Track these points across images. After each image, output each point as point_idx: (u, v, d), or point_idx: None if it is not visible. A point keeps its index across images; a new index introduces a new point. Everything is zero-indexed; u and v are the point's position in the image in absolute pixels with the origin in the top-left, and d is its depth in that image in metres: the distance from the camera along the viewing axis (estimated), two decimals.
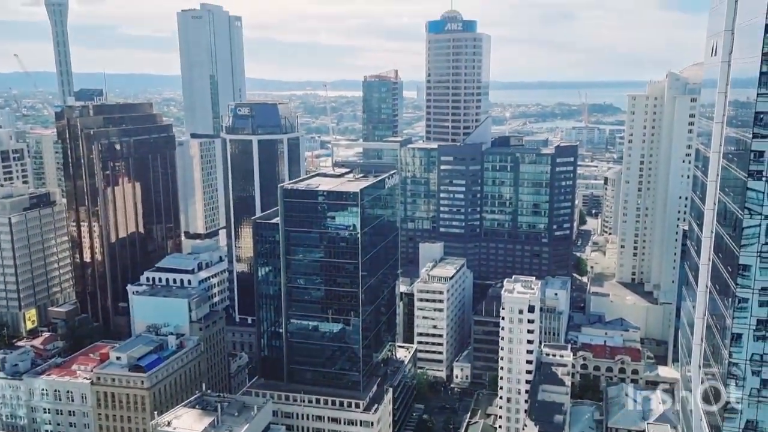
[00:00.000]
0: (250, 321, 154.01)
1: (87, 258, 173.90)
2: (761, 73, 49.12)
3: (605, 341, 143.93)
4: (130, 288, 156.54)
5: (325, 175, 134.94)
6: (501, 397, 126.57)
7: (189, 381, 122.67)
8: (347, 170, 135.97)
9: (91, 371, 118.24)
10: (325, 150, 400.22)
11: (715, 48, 65.71)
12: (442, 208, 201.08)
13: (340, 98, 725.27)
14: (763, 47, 48.60)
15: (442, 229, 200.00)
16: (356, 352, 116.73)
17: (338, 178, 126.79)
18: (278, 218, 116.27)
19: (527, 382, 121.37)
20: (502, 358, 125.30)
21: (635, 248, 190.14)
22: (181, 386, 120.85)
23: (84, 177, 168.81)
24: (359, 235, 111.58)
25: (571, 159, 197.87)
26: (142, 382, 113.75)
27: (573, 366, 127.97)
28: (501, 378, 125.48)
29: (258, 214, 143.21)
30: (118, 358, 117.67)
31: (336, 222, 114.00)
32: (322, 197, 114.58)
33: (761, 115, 49.94)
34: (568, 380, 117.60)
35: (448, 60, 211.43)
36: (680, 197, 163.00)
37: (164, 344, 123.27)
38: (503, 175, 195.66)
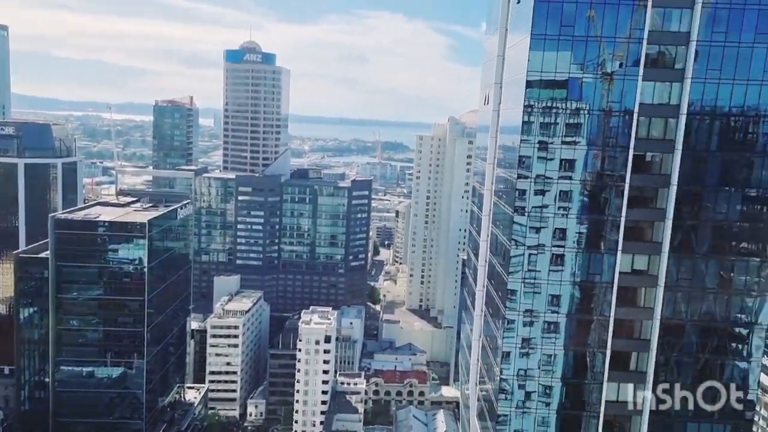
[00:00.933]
0: (7, 371, 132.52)
1: None
2: (523, 122, 56.18)
3: (395, 366, 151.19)
4: None
5: (107, 204, 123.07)
6: (296, 431, 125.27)
7: None
8: (134, 199, 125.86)
9: None
10: (108, 177, 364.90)
11: (487, 98, 73.95)
12: (239, 240, 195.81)
13: (127, 122, 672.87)
14: (524, 100, 55.76)
15: (239, 262, 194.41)
16: (139, 397, 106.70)
17: (123, 208, 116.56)
18: (48, 252, 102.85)
19: (322, 412, 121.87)
20: (298, 391, 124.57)
21: (422, 276, 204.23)
22: None
23: None
24: (146, 270, 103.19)
25: (366, 192, 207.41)
26: None
27: (366, 393, 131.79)
28: (296, 411, 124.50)
29: (22, 247, 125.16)
30: None
31: (119, 256, 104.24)
32: (102, 228, 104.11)
33: (524, 159, 56.95)
34: (361, 407, 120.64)
35: (247, 90, 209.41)
36: (460, 229, 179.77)
37: None
38: (302, 207, 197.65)
